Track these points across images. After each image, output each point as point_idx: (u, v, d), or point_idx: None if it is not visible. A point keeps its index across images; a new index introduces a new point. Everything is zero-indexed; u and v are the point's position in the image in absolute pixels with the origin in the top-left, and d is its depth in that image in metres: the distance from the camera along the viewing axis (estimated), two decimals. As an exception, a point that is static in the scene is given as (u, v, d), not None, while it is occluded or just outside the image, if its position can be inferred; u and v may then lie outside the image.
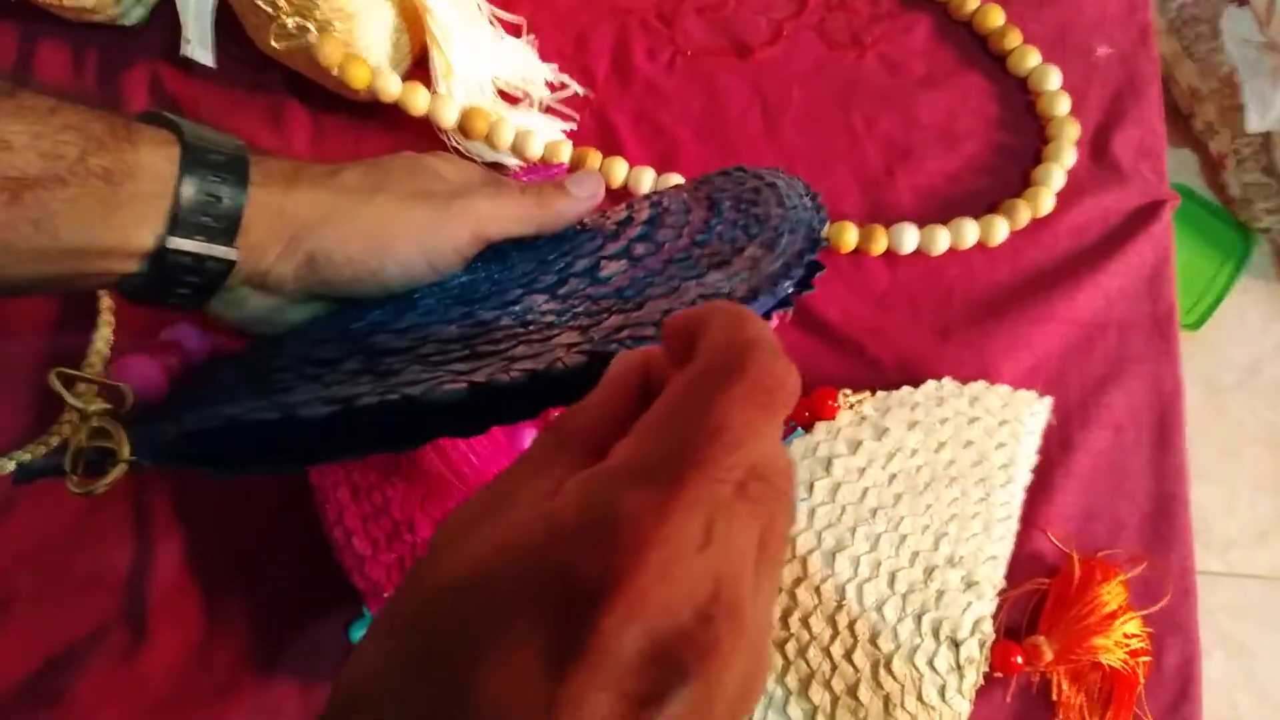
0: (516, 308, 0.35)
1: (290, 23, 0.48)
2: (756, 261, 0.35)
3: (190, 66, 0.54)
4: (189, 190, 0.34)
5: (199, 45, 0.52)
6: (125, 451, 0.32)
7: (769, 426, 0.21)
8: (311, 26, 0.48)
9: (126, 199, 0.33)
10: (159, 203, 0.34)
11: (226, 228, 0.35)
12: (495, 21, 0.55)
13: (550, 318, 0.34)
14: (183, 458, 0.33)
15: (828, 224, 0.37)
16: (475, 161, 0.44)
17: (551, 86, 0.57)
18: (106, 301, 0.51)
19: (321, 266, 0.38)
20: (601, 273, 0.37)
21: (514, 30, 0.57)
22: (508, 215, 0.41)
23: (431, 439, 0.32)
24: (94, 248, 0.34)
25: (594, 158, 0.54)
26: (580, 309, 0.34)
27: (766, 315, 0.33)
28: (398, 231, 0.39)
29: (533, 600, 0.19)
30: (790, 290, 0.34)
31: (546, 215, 0.43)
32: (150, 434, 0.33)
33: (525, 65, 0.56)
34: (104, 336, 0.50)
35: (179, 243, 0.34)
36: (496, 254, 0.42)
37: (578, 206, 0.43)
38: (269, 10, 0.48)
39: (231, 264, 0.36)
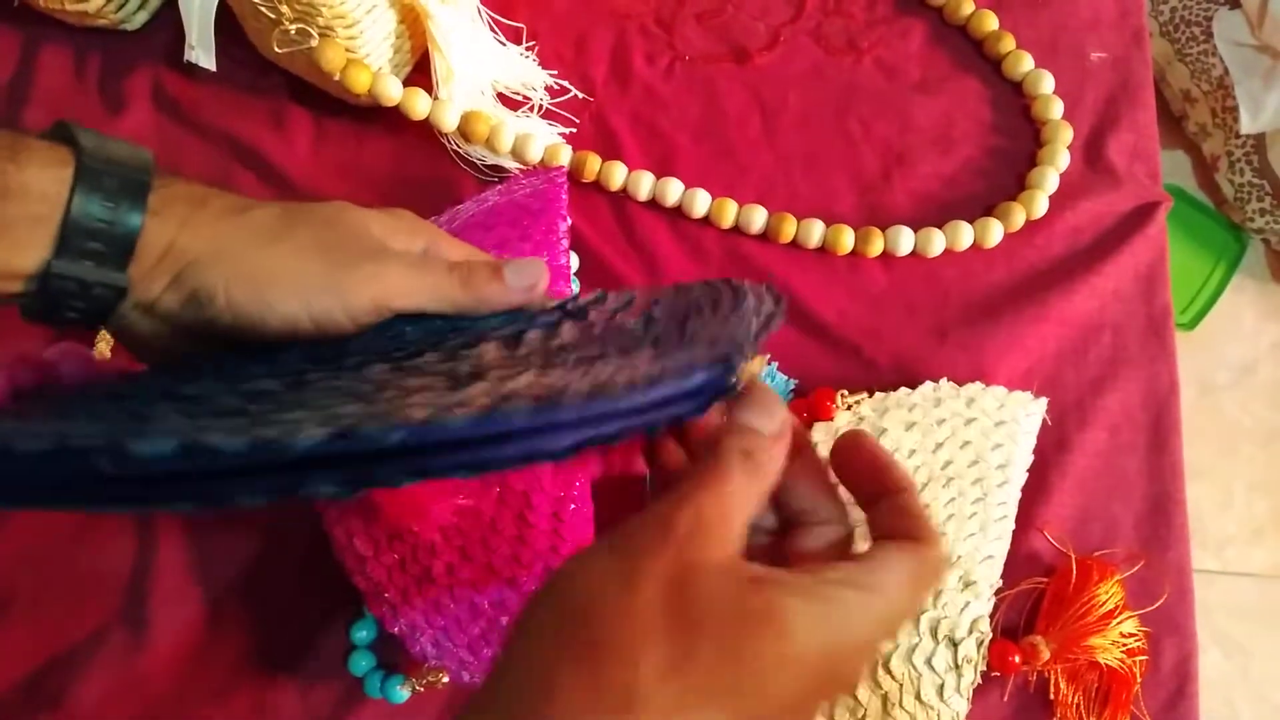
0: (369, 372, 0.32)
1: (292, 28, 0.48)
2: (659, 375, 0.28)
3: (192, 71, 0.54)
4: (78, 213, 0.32)
5: (202, 50, 0.52)
6: None
7: None
8: (313, 31, 0.49)
9: (9, 221, 0.32)
10: (44, 226, 0.32)
11: (117, 253, 0.33)
12: (495, 27, 0.55)
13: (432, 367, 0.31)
14: None
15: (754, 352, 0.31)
16: (426, 221, 0.41)
17: (551, 91, 0.57)
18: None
19: (204, 306, 0.35)
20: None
21: (514, 35, 0.57)
22: (420, 290, 0.37)
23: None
24: None
25: (593, 161, 0.54)
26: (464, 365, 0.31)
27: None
28: (286, 283, 0.35)
29: None
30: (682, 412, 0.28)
31: (468, 299, 0.38)
32: None
33: (525, 70, 0.56)
34: (105, 338, 0.50)
35: (64, 267, 0.33)
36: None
37: (509, 297, 0.38)
38: (271, 15, 0.48)
39: (122, 290, 0.34)
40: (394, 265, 0.37)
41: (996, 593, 0.46)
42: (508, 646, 0.25)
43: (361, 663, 0.47)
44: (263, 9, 0.48)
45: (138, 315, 0.36)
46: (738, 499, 0.26)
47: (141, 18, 0.57)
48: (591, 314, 0.37)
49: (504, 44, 0.56)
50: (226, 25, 0.52)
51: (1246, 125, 1.23)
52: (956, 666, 0.44)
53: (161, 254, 0.34)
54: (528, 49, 0.57)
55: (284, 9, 0.48)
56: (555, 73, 0.57)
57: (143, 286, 0.35)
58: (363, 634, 0.47)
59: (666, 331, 0.33)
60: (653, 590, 0.23)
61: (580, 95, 0.57)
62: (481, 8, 0.54)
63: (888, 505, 0.28)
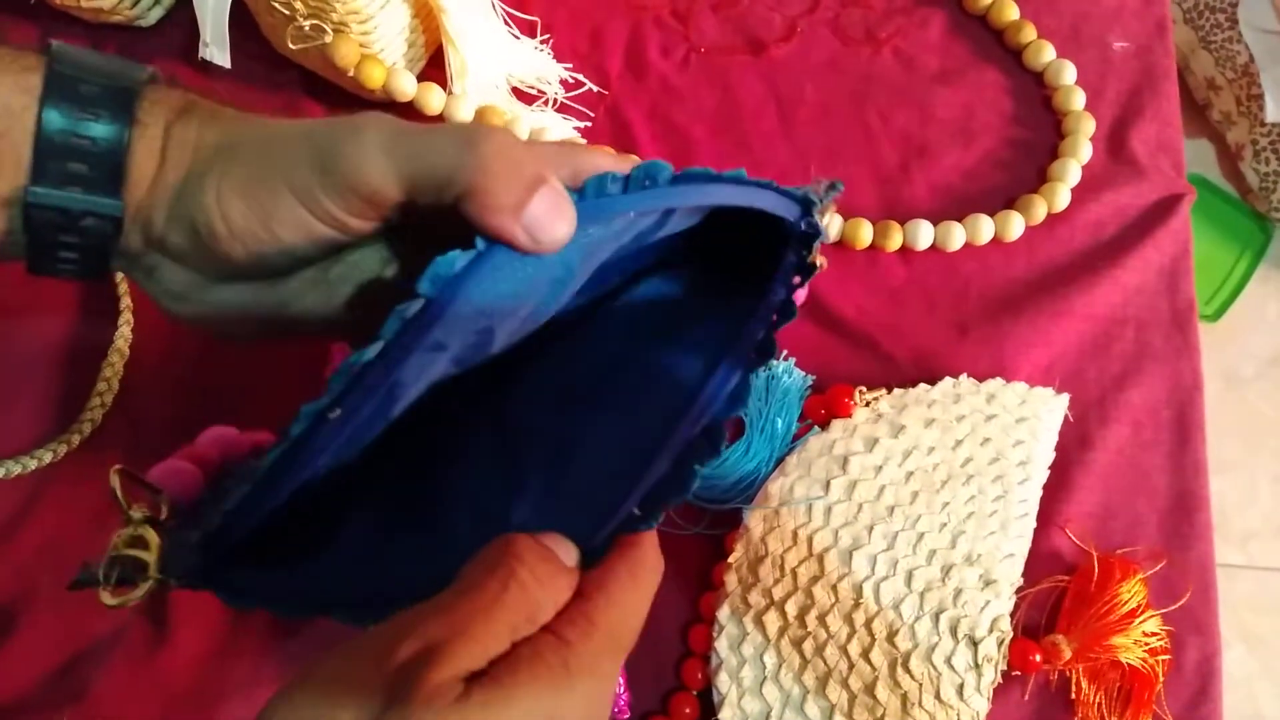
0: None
1: (306, 24, 0.48)
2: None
3: (207, 66, 0.54)
4: (51, 128, 0.27)
5: (216, 47, 0.52)
6: (154, 567, 0.28)
7: None
8: (327, 27, 0.48)
9: None
10: (10, 143, 0.27)
11: (104, 176, 0.28)
12: (510, 20, 0.55)
13: None
14: (216, 578, 0.29)
15: None
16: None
17: (566, 85, 0.57)
18: (126, 300, 0.51)
19: (210, 243, 0.29)
20: None
21: (528, 29, 0.57)
22: (417, 148, 0.28)
23: None
24: None
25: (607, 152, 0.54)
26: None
27: None
28: (276, 177, 0.29)
29: None
30: None
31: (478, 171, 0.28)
32: (180, 549, 0.29)
33: (540, 63, 0.56)
34: (124, 335, 0.51)
35: (44, 194, 0.28)
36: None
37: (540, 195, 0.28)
38: (285, 11, 0.48)
39: (116, 221, 0.29)
40: (387, 136, 0.28)
41: (1017, 591, 0.46)
42: None
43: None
44: (277, 5, 0.48)
45: (158, 257, 0.31)
46: (482, 624, 0.24)
47: (156, 14, 0.57)
48: None
49: (518, 38, 0.55)
50: (241, 21, 0.52)
51: (1272, 114, 1.21)
52: (977, 665, 0.44)
53: (155, 176, 0.29)
54: (542, 42, 0.57)
55: (298, 5, 0.47)
56: (570, 66, 0.57)
57: (143, 218, 0.29)
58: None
59: None
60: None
61: (595, 89, 0.57)
62: (496, 2, 0.54)
63: None
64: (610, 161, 0.31)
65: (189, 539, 0.28)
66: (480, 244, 0.27)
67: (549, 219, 0.27)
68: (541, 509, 0.32)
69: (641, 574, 0.28)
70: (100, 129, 0.28)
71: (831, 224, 0.34)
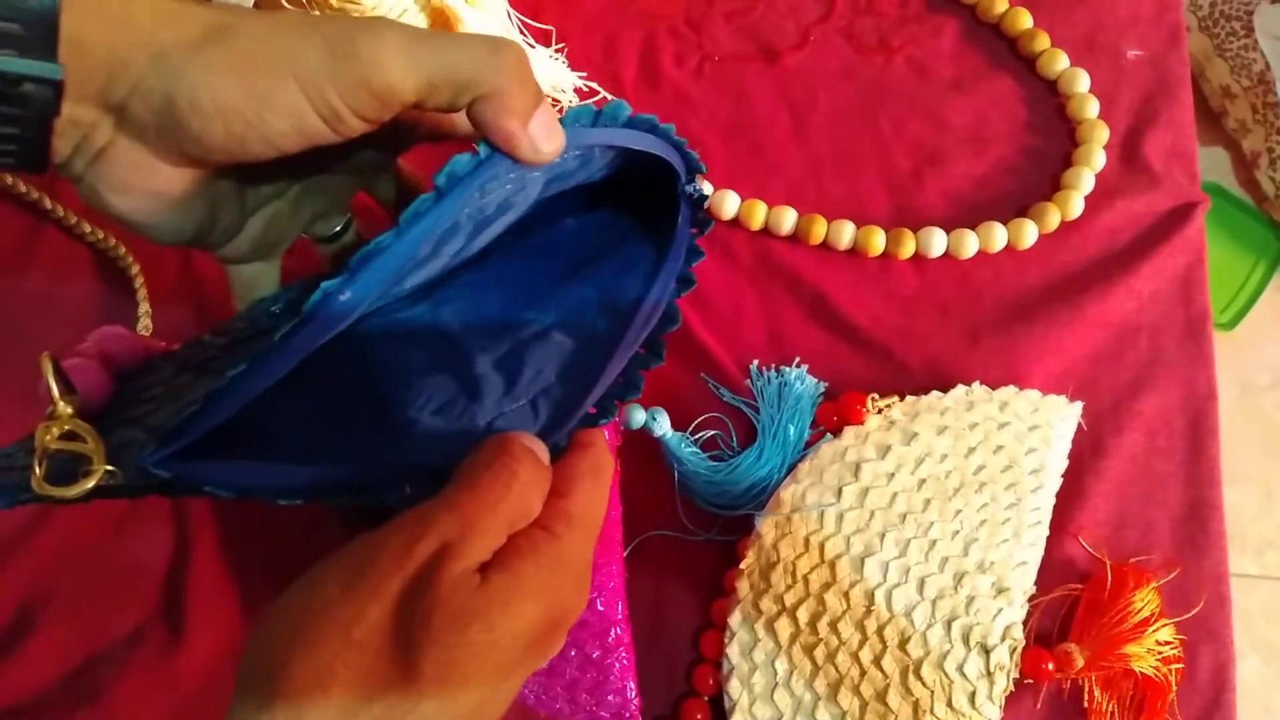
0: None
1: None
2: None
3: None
4: None
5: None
6: (99, 459, 0.28)
7: None
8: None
9: None
10: None
11: (40, 34, 0.26)
12: (524, 29, 0.56)
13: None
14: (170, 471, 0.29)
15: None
16: None
17: (580, 93, 0.57)
18: (145, 305, 0.52)
19: (187, 118, 0.28)
20: None
21: (543, 37, 0.57)
22: (431, 58, 0.29)
23: None
24: None
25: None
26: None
27: None
28: (280, 65, 0.28)
29: None
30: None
31: (499, 76, 0.29)
32: (125, 446, 0.29)
33: (554, 72, 0.56)
34: (143, 326, 0.51)
35: None
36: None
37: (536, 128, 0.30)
38: (303, 21, 0.48)
39: (57, 84, 0.26)
40: (393, 27, 0.29)
41: (1030, 599, 0.46)
42: (251, 636, 0.27)
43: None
44: (295, 14, 0.48)
45: (109, 138, 0.29)
46: (490, 520, 0.27)
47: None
48: None
49: (533, 46, 0.56)
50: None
51: (1288, 121, 1.20)
52: (989, 673, 0.43)
53: (114, 40, 0.27)
54: (557, 51, 0.57)
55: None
56: (584, 74, 0.57)
57: (98, 85, 0.27)
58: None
59: None
60: (377, 615, 0.25)
61: (610, 97, 0.57)
62: (511, 10, 0.54)
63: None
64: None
65: (130, 436, 0.29)
66: (483, 151, 0.29)
67: (548, 131, 0.30)
68: (502, 410, 0.36)
69: (602, 470, 0.32)
70: (28, 5, 0.25)
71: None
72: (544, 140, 0.29)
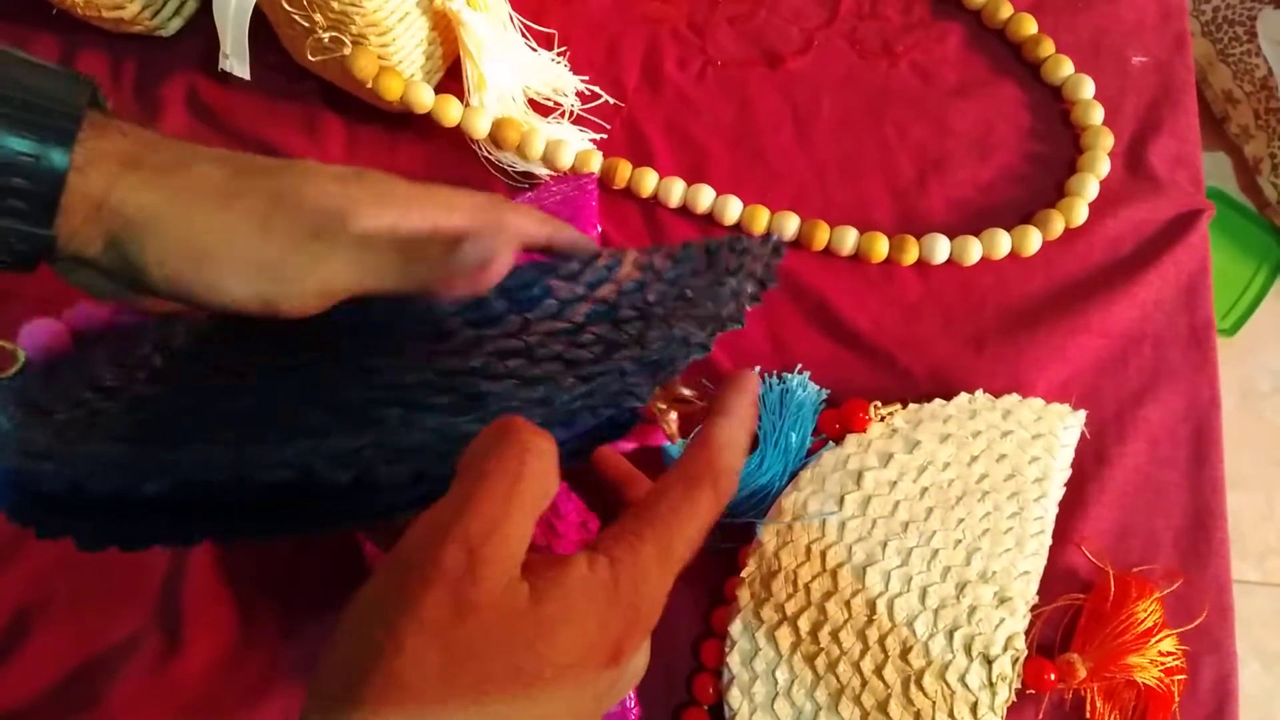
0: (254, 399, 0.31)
1: (325, 36, 0.49)
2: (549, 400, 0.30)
3: (227, 77, 0.54)
4: None
5: (236, 58, 0.52)
6: None
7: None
8: (346, 39, 0.49)
9: None
10: None
11: (39, 208, 0.29)
12: (527, 33, 0.55)
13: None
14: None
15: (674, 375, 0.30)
16: (403, 182, 0.36)
17: (583, 97, 0.57)
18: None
19: (140, 275, 0.32)
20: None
21: (545, 41, 0.57)
22: (367, 276, 0.33)
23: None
24: None
25: (624, 168, 0.54)
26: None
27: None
28: (224, 261, 0.32)
29: None
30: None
31: (414, 284, 0.34)
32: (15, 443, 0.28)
33: (556, 76, 0.56)
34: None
35: None
36: None
37: (467, 283, 0.35)
38: (304, 23, 0.48)
39: (49, 245, 0.30)
40: (340, 250, 0.33)
41: (1033, 609, 0.45)
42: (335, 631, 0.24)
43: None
44: (296, 17, 0.48)
45: (76, 267, 0.33)
46: (514, 509, 0.24)
47: (176, 24, 0.57)
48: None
49: (535, 50, 0.55)
50: (260, 32, 0.53)
51: (1291, 127, 1.20)
52: (991, 684, 0.43)
53: (91, 213, 0.31)
54: (559, 55, 0.57)
55: (317, 17, 0.48)
56: (587, 78, 0.57)
57: (75, 244, 0.31)
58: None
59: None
60: (416, 648, 0.22)
61: (612, 101, 0.57)
62: (513, 14, 0.54)
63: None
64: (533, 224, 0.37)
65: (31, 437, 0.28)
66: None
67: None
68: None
69: (697, 479, 0.27)
70: (39, 165, 0.29)
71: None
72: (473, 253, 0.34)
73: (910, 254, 0.53)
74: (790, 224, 0.53)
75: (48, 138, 0.29)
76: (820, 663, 0.43)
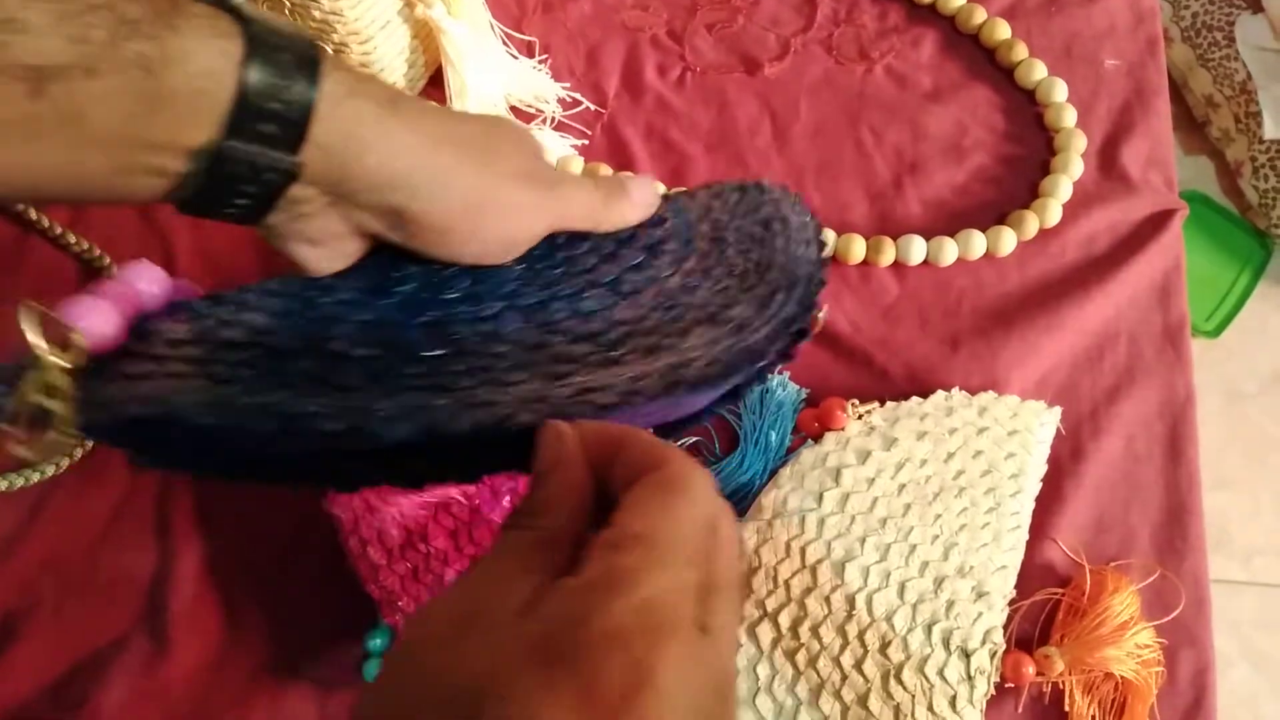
0: (487, 327, 0.32)
1: (307, 45, 0.49)
2: (743, 326, 0.33)
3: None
4: (251, 93, 0.29)
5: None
6: (68, 418, 0.28)
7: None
8: (328, 47, 0.49)
9: (169, 94, 0.28)
10: (211, 101, 0.29)
11: (290, 136, 0.30)
12: (508, 41, 0.56)
13: (516, 355, 0.31)
14: (128, 442, 0.29)
15: (826, 277, 0.36)
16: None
17: (564, 103, 0.58)
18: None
19: (405, 222, 0.33)
20: (584, 302, 0.34)
21: (526, 49, 0.58)
22: (584, 212, 0.37)
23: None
24: (135, 144, 0.29)
25: (605, 172, 0.55)
26: (551, 350, 0.32)
27: (753, 379, 0.32)
28: (500, 211, 0.35)
29: None
30: (765, 365, 0.32)
31: (609, 217, 0.38)
32: (100, 402, 0.29)
33: (537, 83, 0.57)
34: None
35: (236, 148, 0.29)
36: None
37: (636, 213, 0.39)
38: (286, 33, 0.49)
39: (292, 174, 0.31)
40: (571, 189, 0.37)
41: (1010, 603, 0.46)
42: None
43: (376, 670, 0.47)
44: (279, 26, 0.49)
45: (320, 203, 0.33)
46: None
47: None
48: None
49: (517, 57, 0.56)
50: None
51: (1270, 131, 1.22)
52: (969, 678, 0.44)
53: (346, 143, 0.31)
54: (540, 62, 0.58)
55: (299, 24, 0.48)
56: (568, 85, 0.58)
57: (329, 180, 0.32)
58: (377, 642, 0.48)
59: (728, 291, 0.35)
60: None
61: (593, 107, 0.58)
62: (494, 22, 0.55)
63: (620, 465, 0.27)
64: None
65: (107, 395, 0.29)
66: None
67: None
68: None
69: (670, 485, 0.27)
70: (292, 95, 0.30)
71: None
72: (638, 197, 0.39)
73: (887, 255, 0.53)
74: (769, 227, 0.54)
75: (295, 68, 0.30)
76: (800, 658, 0.44)
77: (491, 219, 0.35)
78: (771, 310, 0.34)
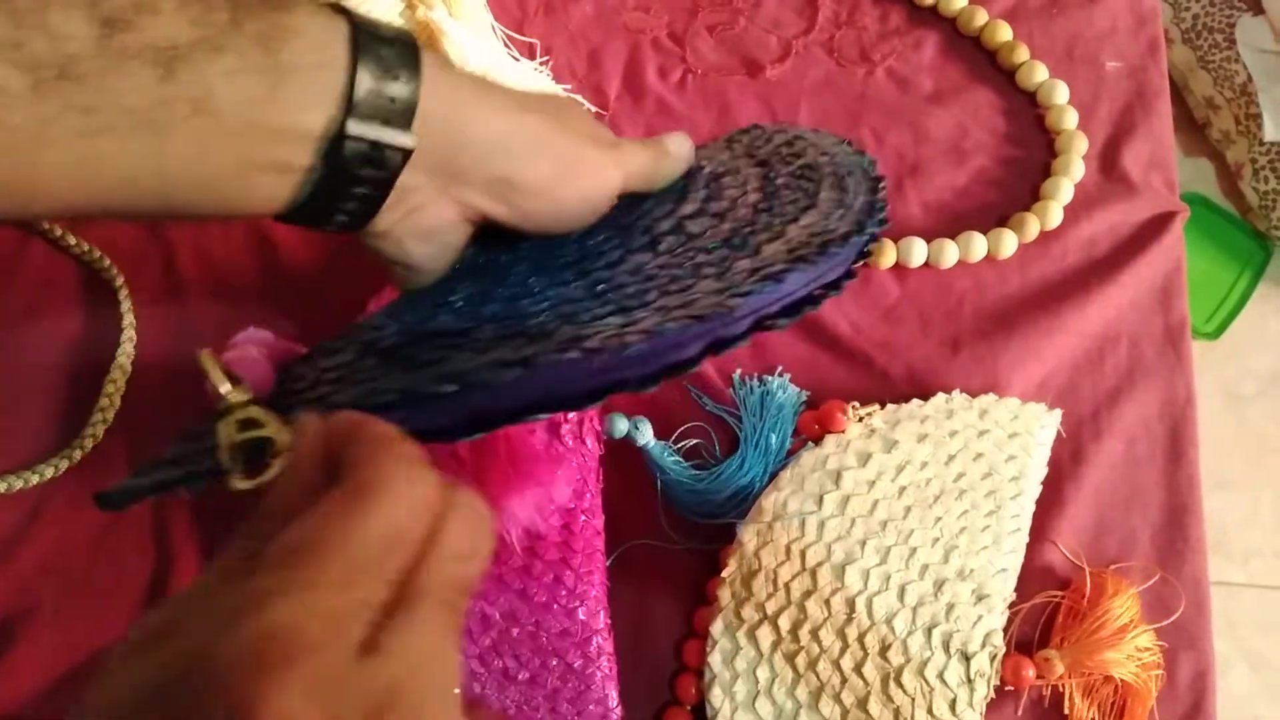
0: (625, 266, 0.34)
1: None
2: (839, 201, 0.35)
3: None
4: (362, 88, 0.30)
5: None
6: (285, 439, 0.29)
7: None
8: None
9: (289, 69, 0.29)
10: (326, 76, 0.29)
11: (403, 111, 0.31)
12: (509, 43, 0.56)
13: (671, 270, 0.32)
14: None
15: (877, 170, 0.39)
16: None
17: (564, 105, 0.57)
18: (129, 319, 0.52)
19: (510, 189, 0.35)
20: (691, 226, 0.37)
21: (528, 51, 0.57)
22: (642, 170, 0.40)
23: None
24: (260, 131, 0.29)
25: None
26: (695, 260, 0.33)
27: (848, 275, 0.33)
28: (588, 172, 0.37)
29: None
30: (875, 231, 0.34)
31: (660, 172, 0.41)
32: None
33: (539, 85, 0.56)
34: (126, 352, 0.51)
35: (358, 126, 0.30)
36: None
37: (678, 166, 0.42)
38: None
39: (408, 153, 0.32)
40: (631, 146, 0.40)
41: (1010, 606, 0.46)
42: None
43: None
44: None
45: (430, 195, 0.34)
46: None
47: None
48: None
49: (518, 59, 0.56)
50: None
51: (1270, 133, 1.22)
52: (969, 681, 0.44)
53: (450, 122, 0.33)
54: (542, 64, 0.58)
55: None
56: (569, 87, 0.58)
57: (437, 157, 0.33)
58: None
59: (806, 190, 0.38)
60: None
61: (594, 109, 0.58)
62: (495, 24, 0.55)
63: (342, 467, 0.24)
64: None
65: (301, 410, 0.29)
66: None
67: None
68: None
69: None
70: (398, 89, 0.31)
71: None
72: (676, 151, 0.42)
73: (887, 257, 0.53)
74: (770, 229, 0.54)
75: (395, 44, 0.31)
76: (800, 661, 0.44)
77: (583, 177, 0.37)
78: (851, 187, 0.36)
